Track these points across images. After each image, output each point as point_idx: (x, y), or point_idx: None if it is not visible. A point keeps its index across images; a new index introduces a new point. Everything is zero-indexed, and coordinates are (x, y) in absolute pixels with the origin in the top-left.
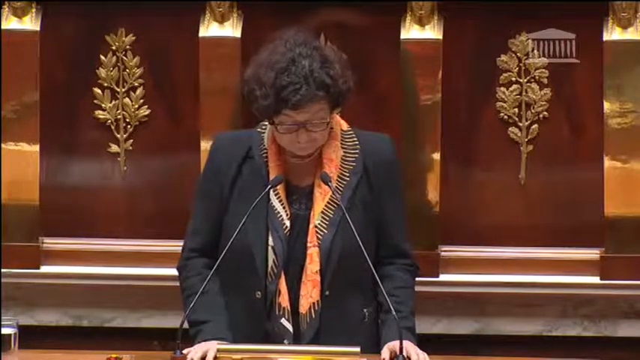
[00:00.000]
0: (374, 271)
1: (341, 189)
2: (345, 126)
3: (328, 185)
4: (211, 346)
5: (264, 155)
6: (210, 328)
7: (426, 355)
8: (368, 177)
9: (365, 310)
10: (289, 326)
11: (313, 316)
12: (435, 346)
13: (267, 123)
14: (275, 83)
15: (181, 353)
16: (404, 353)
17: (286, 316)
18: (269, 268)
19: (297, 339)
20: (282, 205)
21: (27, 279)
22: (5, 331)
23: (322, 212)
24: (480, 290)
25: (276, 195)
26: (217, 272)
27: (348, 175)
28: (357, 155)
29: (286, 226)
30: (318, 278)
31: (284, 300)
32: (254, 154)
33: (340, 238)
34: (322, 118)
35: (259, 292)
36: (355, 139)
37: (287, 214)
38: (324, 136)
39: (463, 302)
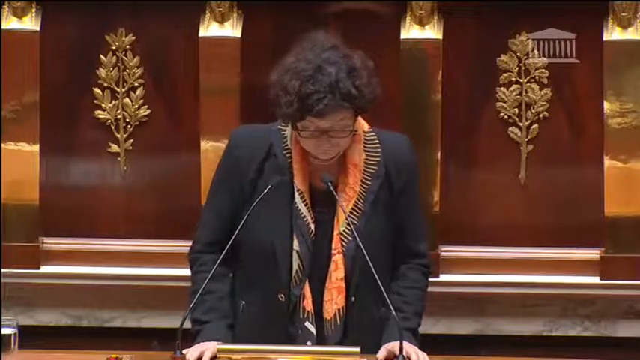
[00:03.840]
0: (376, 277)
1: (363, 194)
2: (366, 127)
3: (327, 185)
4: (209, 347)
5: (288, 155)
6: (211, 329)
7: (425, 355)
8: (389, 179)
9: (384, 309)
10: (313, 329)
11: (338, 322)
12: (435, 346)
13: None
14: (300, 91)
15: (181, 353)
16: (403, 353)
17: (310, 320)
18: (294, 272)
19: (320, 343)
20: (307, 208)
21: (27, 279)
22: (5, 331)
23: (346, 219)
24: (480, 290)
25: (301, 198)
26: (237, 272)
27: (370, 179)
28: (379, 159)
29: (312, 231)
30: (344, 285)
31: (308, 304)
32: (276, 153)
33: (364, 244)
34: (346, 126)
35: (282, 295)
36: (377, 141)
37: (312, 218)
38: (347, 142)
39: (463, 302)
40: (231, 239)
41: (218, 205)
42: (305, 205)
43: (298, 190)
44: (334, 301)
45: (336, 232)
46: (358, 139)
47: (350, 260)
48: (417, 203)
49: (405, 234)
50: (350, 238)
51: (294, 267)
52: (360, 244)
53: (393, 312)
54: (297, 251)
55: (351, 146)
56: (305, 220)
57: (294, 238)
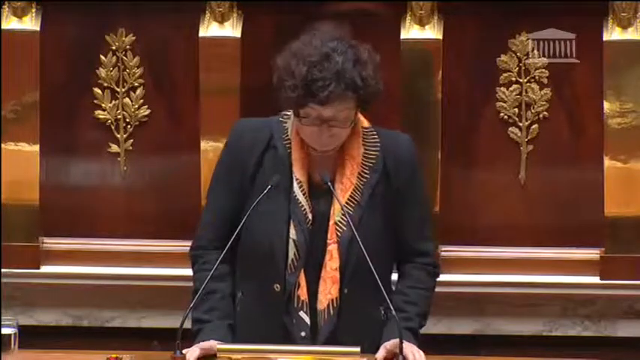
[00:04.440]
0: (376, 275)
1: (361, 187)
2: (366, 123)
3: (327, 185)
4: (209, 346)
5: (288, 146)
6: (212, 329)
7: (422, 354)
8: (387, 175)
9: (382, 309)
10: (307, 319)
11: (331, 313)
12: (435, 346)
13: (289, 113)
14: (306, 77)
15: (181, 353)
16: (403, 354)
17: (304, 309)
18: (289, 261)
19: (314, 334)
20: (305, 197)
21: (27, 279)
22: (5, 331)
23: (342, 209)
24: (480, 290)
25: (300, 187)
26: (234, 265)
27: (368, 172)
28: (377, 153)
29: (309, 220)
30: (338, 275)
31: (303, 293)
32: (277, 144)
33: (360, 236)
34: (347, 116)
35: (278, 285)
36: (376, 136)
37: (310, 208)
38: (346, 133)
39: (463, 302)
40: (231, 239)
41: (218, 201)
42: (303, 195)
43: (297, 180)
44: (328, 292)
45: (331, 222)
46: (357, 132)
47: (344, 250)
48: (420, 202)
49: (406, 232)
50: (345, 229)
51: (290, 255)
52: (355, 232)
53: (393, 311)
54: (293, 240)
55: (349, 139)
56: (303, 209)
57: (292, 227)
